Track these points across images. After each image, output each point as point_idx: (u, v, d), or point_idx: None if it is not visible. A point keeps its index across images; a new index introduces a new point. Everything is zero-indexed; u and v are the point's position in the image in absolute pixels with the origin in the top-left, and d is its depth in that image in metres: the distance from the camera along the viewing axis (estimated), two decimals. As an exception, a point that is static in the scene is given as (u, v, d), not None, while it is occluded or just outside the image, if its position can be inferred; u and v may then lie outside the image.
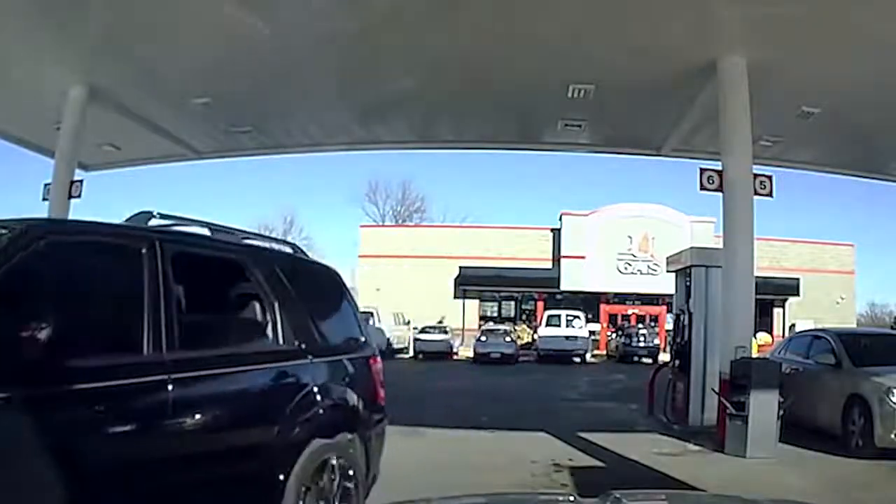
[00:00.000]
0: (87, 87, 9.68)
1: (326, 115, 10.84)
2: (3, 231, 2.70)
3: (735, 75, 8.17)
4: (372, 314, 25.23)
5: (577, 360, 24.40)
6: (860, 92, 8.67)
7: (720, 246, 8.85)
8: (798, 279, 30.45)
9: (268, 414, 3.49)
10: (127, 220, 3.43)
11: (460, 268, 31.30)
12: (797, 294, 30.53)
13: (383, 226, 43.98)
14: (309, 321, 3.98)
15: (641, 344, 25.03)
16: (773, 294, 27.89)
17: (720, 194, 8.51)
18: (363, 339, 4.66)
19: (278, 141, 12.22)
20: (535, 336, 27.02)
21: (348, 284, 4.95)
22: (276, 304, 3.71)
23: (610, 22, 7.44)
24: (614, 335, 29.05)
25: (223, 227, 3.94)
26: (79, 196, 10.35)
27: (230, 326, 3.73)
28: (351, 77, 9.13)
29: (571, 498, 2.56)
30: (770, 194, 8.61)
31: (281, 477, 3.37)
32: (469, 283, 31.61)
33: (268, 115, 10.90)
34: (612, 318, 32.02)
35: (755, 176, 8.50)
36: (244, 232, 4.20)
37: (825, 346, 8.91)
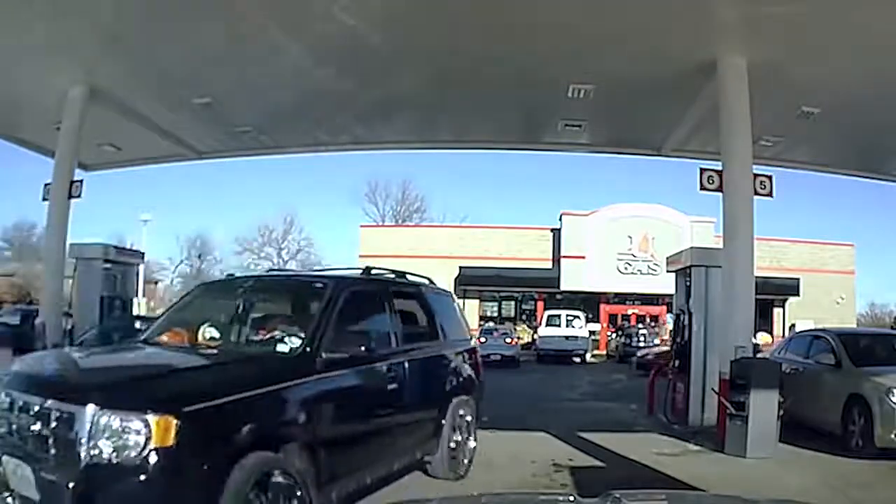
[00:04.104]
0: (87, 87, 9.70)
1: (327, 115, 10.85)
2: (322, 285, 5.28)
3: (735, 75, 8.18)
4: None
5: (577, 360, 24.35)
6: (860, 92, 8.68)
7: (720, 246, 8.85)
8: (798, 279, 30.37)
9: (438, 380, 6.09)
10: (362, 274, 5.83)
11: (460, 268, 31.22)
12: (797, 294, 30.45)
13: (383, 226, 43.88)
14: (449, 326, 6.64)
15: (641, 344, 24.97)
16: (773, 294, 27.82)
17: (720, 194, 8.52)
18: (469, 336, 7.25)
19: (278, 141, 12.23)
20: (535, 336, 26.99)
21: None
22: (436, 316, 6.38)
23: (610, 22, 7.44)
24: (614, 335, 29.01)
25: (402, 272, 6.47)
26: (79, 196, 10.36)
27: (423, 330, 6.16)
28: (351, 77, 9.13)
29: (571, 498, 2.56)
30: (770, 194, 8.62)
31: (442, 421, 5.89)
32: (469, 283, 31.53)
33: (268, 115, 10.90)
34: (612, 318, 32.01)
35: (755, 176, 8.51)
36: (406, 272, 6.63)
37: (825, 346, 8.91)
